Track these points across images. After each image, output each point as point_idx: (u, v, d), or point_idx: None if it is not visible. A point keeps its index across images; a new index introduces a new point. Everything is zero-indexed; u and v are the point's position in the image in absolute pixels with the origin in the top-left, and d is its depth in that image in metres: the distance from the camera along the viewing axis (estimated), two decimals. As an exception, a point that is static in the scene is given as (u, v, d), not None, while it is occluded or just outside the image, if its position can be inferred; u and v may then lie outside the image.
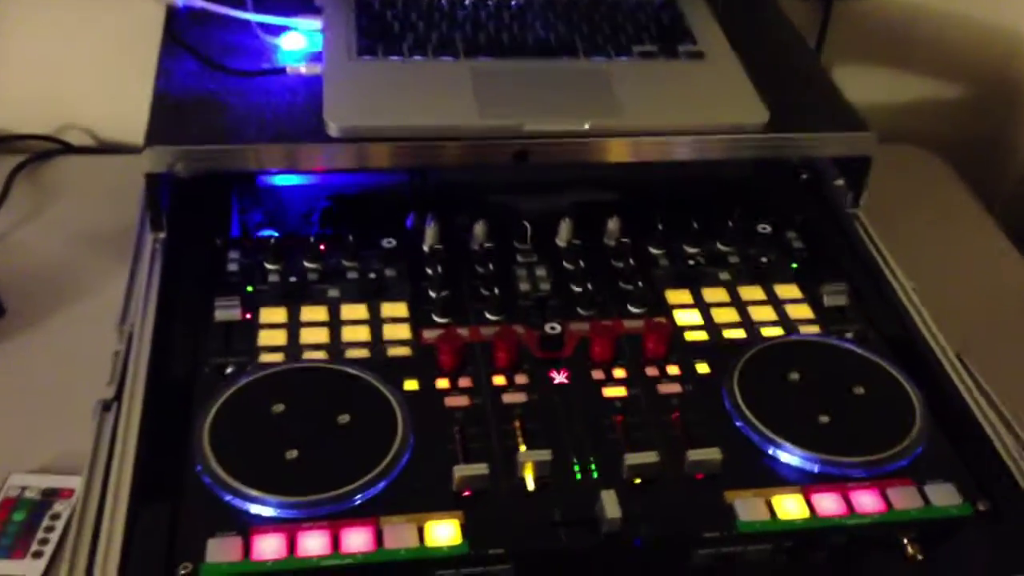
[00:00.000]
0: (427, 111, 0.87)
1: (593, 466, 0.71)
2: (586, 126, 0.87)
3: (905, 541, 0.68)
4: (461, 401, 0.75)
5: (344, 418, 0.71)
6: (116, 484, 0.68)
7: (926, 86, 1.29)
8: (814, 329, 0.83)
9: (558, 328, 0.80)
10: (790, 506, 0.69)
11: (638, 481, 0.70)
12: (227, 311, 0.80)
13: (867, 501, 0.69)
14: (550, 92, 0.91)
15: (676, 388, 0.77)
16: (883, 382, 0.78)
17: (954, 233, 1.16)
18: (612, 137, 0.87)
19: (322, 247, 0.87)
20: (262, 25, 0.96)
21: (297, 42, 0.95)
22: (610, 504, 0.66)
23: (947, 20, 1.24)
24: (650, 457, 0.70)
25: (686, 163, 0.91)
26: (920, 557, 0.67)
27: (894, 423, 0.74)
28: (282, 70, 0.92)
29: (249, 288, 0.83)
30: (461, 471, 0.68)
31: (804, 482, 0.71)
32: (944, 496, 0.70)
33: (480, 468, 0.68)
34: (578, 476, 0.70)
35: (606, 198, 0.98)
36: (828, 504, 0.69)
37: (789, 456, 0.72)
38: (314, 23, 0.97)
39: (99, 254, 1.06)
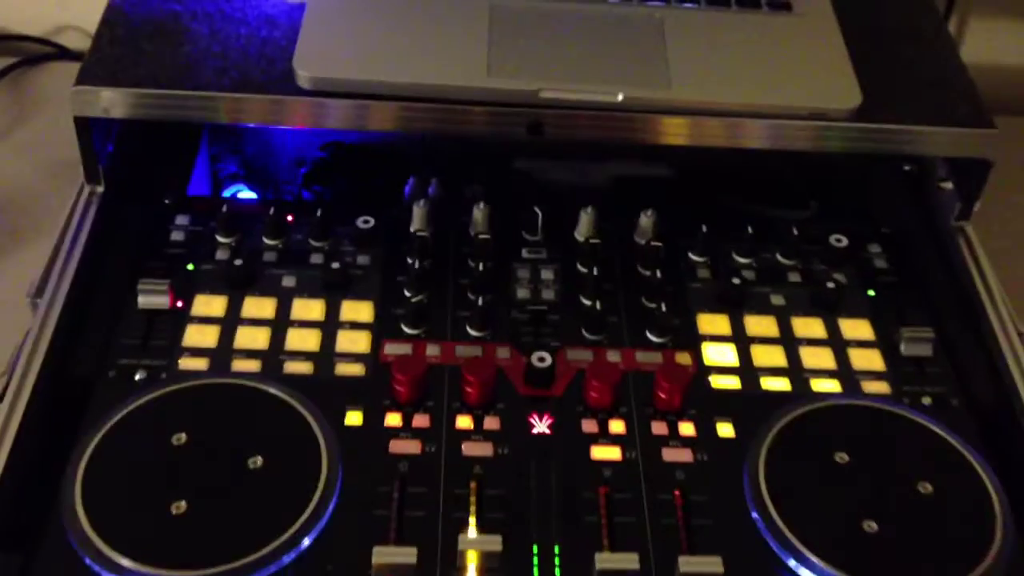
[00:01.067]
0: (422, 64, 0.69)
1: (557, 560, 0.55)
2: (620, 98, 0.68)
3: None
4: (410, 447, 0.60)
5: (256, 461, 0.57)
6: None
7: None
8: (881, 388, 0.65)
9: (548, 361, 0.64)
10: (804, 648, 0.53)
11: (600, 583, 0.54)
12: (152, 296, 0.66)
13: (910, 654, 0.53)
14: (581, 46, 0.72)
15: (686, 456, 0.60)
16: (961, 478, 0.59)
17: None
18: (653, 114, 0.69)
19: (289, 218, 0.73)
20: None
21: (288, -42, 0.79)
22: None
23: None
24: (629, 562, 0.54)
25: (747, 150, 0.72)
26: None
27: (966, 540, 0.57)
28: (263, -6, 0.76)
29: (190, 266, 0.69)
30: (382, 555, 0.53)
31: (829, 610, 0.54)
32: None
33: (407, 554, 0.53)
34: (535, 570, 0.55)
35: (647, 174, 0.80)
36: (856, 652, 0.53)
37: (809, 569, 0.55)
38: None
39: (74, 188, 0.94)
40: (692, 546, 0.56)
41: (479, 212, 0.72)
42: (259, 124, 0.75)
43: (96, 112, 0.68)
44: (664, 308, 0.68)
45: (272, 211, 0.72)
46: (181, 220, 0.72)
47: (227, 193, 0.84)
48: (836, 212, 0.82)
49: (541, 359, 0.64)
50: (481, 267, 0.69)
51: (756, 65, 0.73)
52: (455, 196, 0.80)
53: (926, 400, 0.64)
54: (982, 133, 0.70)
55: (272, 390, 0.61)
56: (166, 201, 0.73)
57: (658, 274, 0.70)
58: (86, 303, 0.67)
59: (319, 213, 0.71)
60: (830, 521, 0.57)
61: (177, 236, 0.71)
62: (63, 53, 1.06)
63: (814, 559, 0.55)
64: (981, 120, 0.71)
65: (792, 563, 0.55)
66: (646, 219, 0.73)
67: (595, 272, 0.70)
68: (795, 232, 0.73)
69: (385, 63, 0.69)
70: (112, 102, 0.68)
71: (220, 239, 0.71)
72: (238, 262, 0.68)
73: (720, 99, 0.69)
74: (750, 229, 0.73)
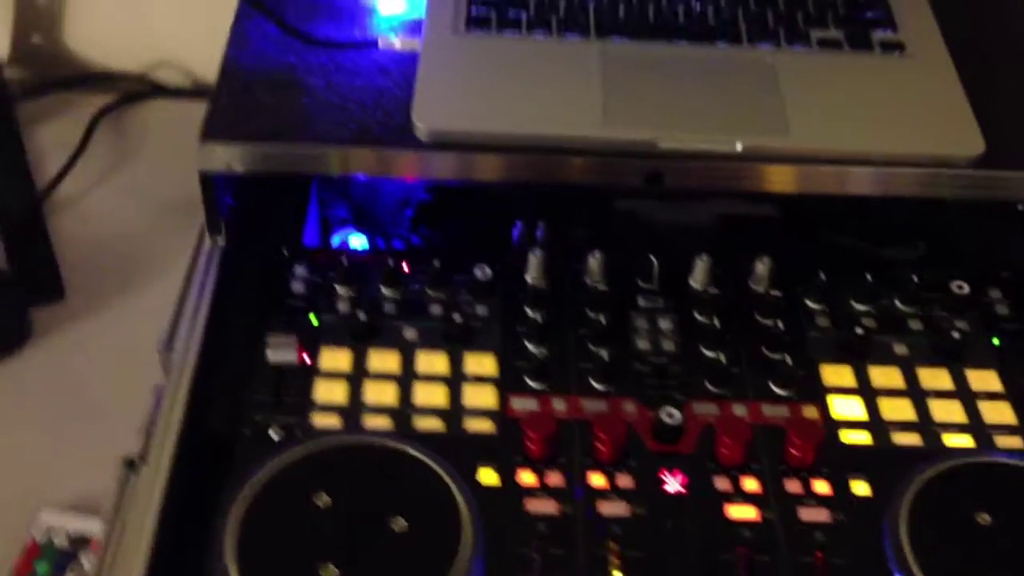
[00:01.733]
0: (539, 114, 0.70)
1: (701, 629, 0.56)
2: (739, 147, 0.68)
3: None
4: (547, 507, 0.60)
5: (398, 523, 0.58)
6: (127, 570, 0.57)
7: None
8: (1014, 442, 0.65)
9: (678, 417, 0.64)
10: None
11: (757, 658, 0.54)
12: (281, 352, 0.67)
13: None
14: (695, 93, 0.72)
15: (823, 515, 0.60)
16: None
17: None
18: (772, 163, 0.69)
19: (405, 266, 0.73)
20: (358, -18, 0.80)
21: (396, 5, 0.79)
22: None
23: None
24: (782, 632, 0.54)
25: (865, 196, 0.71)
26: None
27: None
28: (374, 42, 0.76)
29: (313, 318, 0.70)
30: (533, 624, 0.54)
31: None
32: None
33: (558, 622, 0.54)
34: (682, 641, 0.55)
35: (755, 213, 0.80)
36: None
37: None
38: (417, -20, 0.80)
39: (184, 228, 0.94)
40: (837, 610, 0.56)
41: (594, 261, 0.72)
42: (378, 176, 0.75)
43: (220, 167, 0.69)
44: (788, 359, 0.68)
45: (390, 261, 0.72)
46: (300, 271, 0.73)
47: (336, 237, 0.85)
48: (946, 252, 0.81)
49: (670, 415, 0.64)
50: (602, 319, 0.70)
51: (874, 110, 0.72)
52: (563, 239, 0.80)
53: (1062, 455, 0.64)
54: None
55: (410, 450, 0.61)
56: (284, 252, 0.74)
57: (779, 324, 0.70)
58: (216, 357, 0.68)
59: (436, 263, 0.72)
60: (977, 585, 0.56)
61: (297, 287, 0.72)
62: (158, 90, 1.08)
63: (964, 625, 0.54)
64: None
65: (940, 628, 0.55)
66: (762, 266, 0.72)
67: (716, 323, 0.70)
68: (914, 279, 0.72)
69: (501, 114, 0.69)
70: (237, 157, 0.69)
71: (339, 290, 0.72)
72: (361, 315, 0.69)
73: (840, 147, 0.69)
74: (868, 276, 0.72)
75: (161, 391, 0.65)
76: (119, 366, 0.83)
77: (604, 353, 0.68)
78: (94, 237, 0.91)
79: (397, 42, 0.75)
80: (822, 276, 0.72)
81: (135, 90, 1.07)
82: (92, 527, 0.72)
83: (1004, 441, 0.64)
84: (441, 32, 0.75)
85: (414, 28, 0.77)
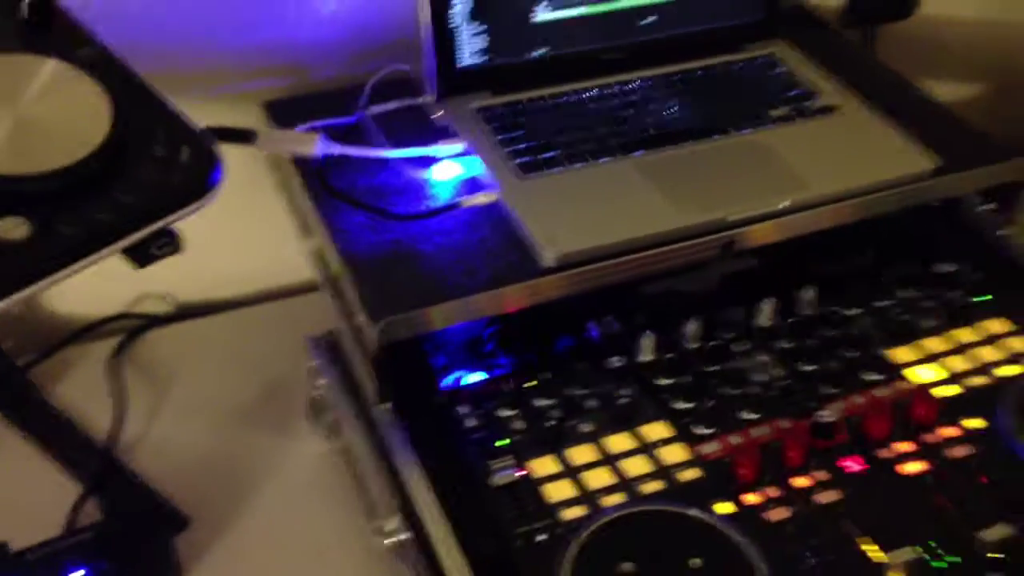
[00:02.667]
0: (630, 220, 0.85)
1: (946, 553, 0.71)
2: (783, 205, 0.87)
3: None
4: (783, 514, 0.74)
5: (696, 563, 0.69)
6: None
7: (960, 91, 1.36)
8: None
9: (832, 415, 0.80)
10: None
11: (997, 557, 0.70)
12: (505, 473, 0.76)
13: None
14: (727, 175, 0.90)
15: (966, 450, 0.78)
16: None
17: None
18: (808, 210, 0.88)
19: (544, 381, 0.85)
20: (406, 160, 0.91)
21: (450, 171, 0.91)
22: (1004, 590, 0.66)
23: (976, 29, 1.31)
24: (1003, 531, 0.70)
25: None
26: None
27: None
28: (455, 204, 0.88)
29: (502, 443, 0.80)
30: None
31: None
32: None
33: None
34: (940, 565, 0.70)
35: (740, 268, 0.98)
36: None
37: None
38: (453, 147, 0.93)
39: (255, 430, 0.99)
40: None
41: (692, 327, 0.88)
42: (513, 309, 0.85)
43: (399, 336, 0.77)
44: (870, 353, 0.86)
45: (539, 378, 0.84)
46: (463, 410, 0.82)
47: (449, 379, 0.93)
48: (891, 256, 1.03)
49: (823, 415, 0.80)
50: (719, 367, 0.85)
51: (850, 154, 0.92)
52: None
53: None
54: (1019, 162, 0.94)
55: (669, 507, 0.72)
56: (439, 398, 0.83)
57: (836, 331, 0.89)
58: (452, 497, 0.75)
59: (580, 365, 0.84)
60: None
61: (470, 423, 0.81)
62: (154, 320, 1.11)
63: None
64: (1009, 153, 0.94)
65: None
66: (808, 293, 0.91)
67: (803, 343, 0.87)
68: (924, 271, 0.94)
69: (601, 229, 0.83)
70: (405, 325, 0.77)
71: (504, 413, 0.82)
72: (551, 423, 0.80)
73: (847, 185, 0.89)
74: (881, 278, 0.93)
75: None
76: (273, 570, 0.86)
77: (736, 392, 0.83)
78: (182, 465, 0.94)
79: (480, 198, 0.87)
80: (855, 287, 0.92)
81: (133, 326, 1.10)
82: None
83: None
84: (508, 181, 0.88)
85: (474, 185, 0.90)
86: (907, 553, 0.69)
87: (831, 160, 0.92)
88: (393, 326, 0.77)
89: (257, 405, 1.01)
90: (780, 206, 0.86)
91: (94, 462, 0.92)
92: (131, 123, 0.70)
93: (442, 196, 0.90)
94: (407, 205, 0.89)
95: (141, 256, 0.69)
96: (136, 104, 0.71)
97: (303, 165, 0.92)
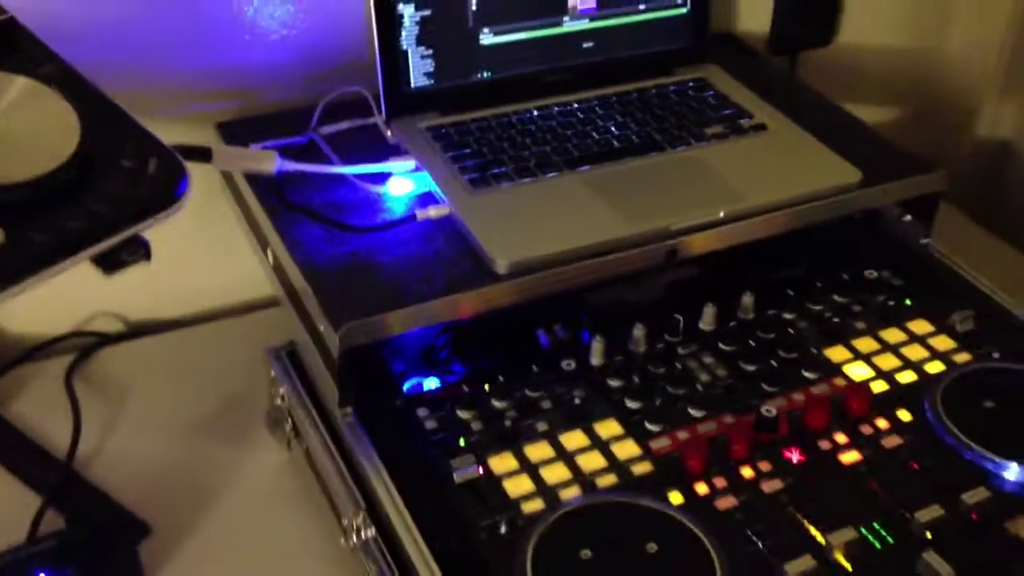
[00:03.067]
0: (578, 230, 0.89)
1: (884, 533, 0.75)
2: (721, 214, 0.92)
3: None
4: (730, 502, 0.78)
5: (652, 547, 0.73)
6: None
7: (877, 114, 1.44)
8: (967, 357, 0.92)
9: (774, 411, 0.84)
10: (1061, 520, 0.76)
11: (930, 536, 0.75)
12: (466, 471, 0.79)
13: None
14: (668, 188, 0.95)
15: (897, 440, 0.83)
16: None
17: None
18: (744, 220, 0.93)
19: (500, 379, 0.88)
20: (360, 176, 0.95)
21: (404, 186, 0.94)
22: (938, 564, 0.71)
23: (892, 56, 1.39)
24: (936, 511, 0.75)
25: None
26: None
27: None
28: (410, 218, 0.91)
29: (462, 442, 0.83)
30: (794, 567, 0.71)
31: (1047, 495, 0.79)
32: None
33: (808, 561, 0.72)
34: (877, 545, 0.75)
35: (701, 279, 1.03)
36: (1091, 509, 0.77)
37: (1022, 475, 0.79)
38: (405, 163, 0.96)
39: (214, 441, 1.00)
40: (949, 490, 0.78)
41: (639, 331, 0.92)
42: (467, 316, 0.88)
43: (359, 341, 0.80)
44: (797, 355, 0.91)
45: (489, 385, 0.87)
46: (423, 412, 0.85)
47: (407, 385, 0.96)
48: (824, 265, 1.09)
49: (768, 411, 0.84)
50: (663, 369, 0.89)
51: (782, 168, 0.98)
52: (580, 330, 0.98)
53: (996, 355, 0.92)
54: (939, 175, 1.00)
55: (625, 499, 0.76)
56: (398, 402, 0.86)
57: (773, 333, 0.94)
58: (415, 497, 0.78)
59: (535, 368, 0.87)
60: (1011, 439, 0.81)
61: (431, 425, 0.84)
62: (105, 339, 1.12)
63: (1011, 463, 0.79)
64: (929, 167, 1.01)
65: (1004, 473, 0.79)
66: (748, 298, 0.96)
67: (747, 343, 0.92)
68: (845, 277, 1.00)
69: (550, 238, 0.88)
70: (367, 331, 0.80)
71: (463, 415, 0.85)
72: (507, 422, 0.83)
73: (780, 196, 0.94)
74: (818, 283, 0.99)
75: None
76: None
77: (682, 391, 0.87)
78: (140, 477, 0.94)
79: (432, 211, 0.91)
80: (790, 292, 0.97)
81: (85, 344, 1.10)
82: None
83: (958, 357, 0.91)
84: (459, 196, 0.92)
85: (426, 199, 0.93)
86: (847, 534, 0.74)
87: (764, 174, 0.98)
88: (354, 331, 0.80)
89: (215, 418, 1.02)
90: (719, 216, 0.92)
91: (53, 474, 0.93)
92: (99, 136, 0.72)
93: (396, 210, 0.93)
94: (363, 219, 0.92)
95: (111, 263, 0.71)
96: (103, 118, 0.74)
97: (257, 182, 0.95)
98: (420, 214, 0.91)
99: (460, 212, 0.91)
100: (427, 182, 0.95)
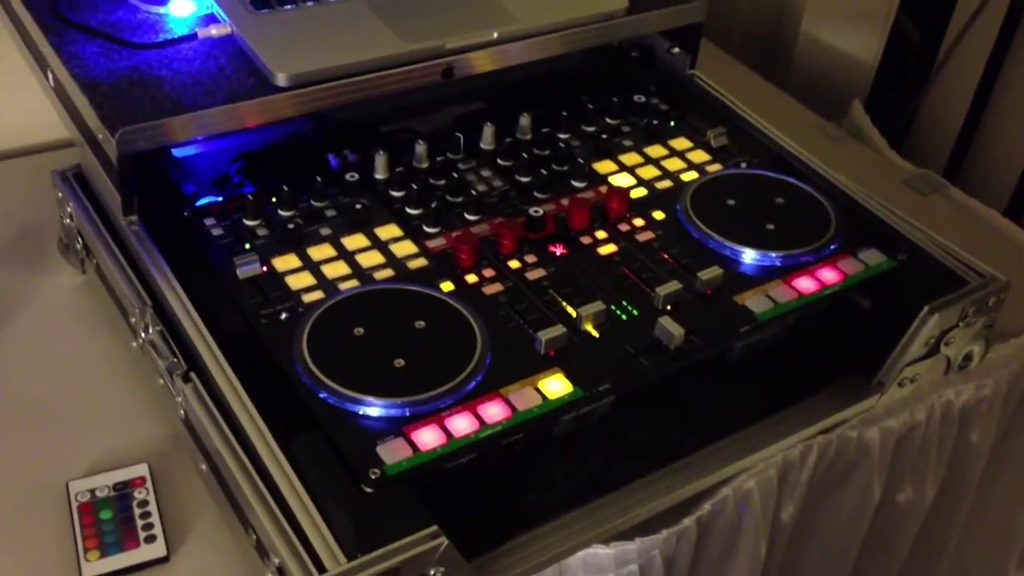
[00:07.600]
0: (357, 46, 0.92)
1: (630, 307, 0.84)
2: (495, 35, 0.97)
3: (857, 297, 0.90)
4: (497, 288, 0.85)
5: (420, 324, 0.79)
6: (256, 437, 0.73)
7: None
8: (718, 167, 1.01)
9: (541, 211, 0.91)
10: (781, 294, 0.87)
11: (670, 308, 0.84)
12: (249, 267, 0.83)
13: (828, 276, 0.89)
14: (448, 11, 0.99)
15: (650, 235, 0.92)
16: (795, 192, 0.98)
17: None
18: (518, 41, 0.98)
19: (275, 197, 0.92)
20: (140, -3, 0.95)
21: (185, 8, 0.95)
22: (671, 326, 0.80)
23: None
24: (675, 286, 0.84)
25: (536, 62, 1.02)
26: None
27: (816, 218, 0.94)
28: (193, 36, 0.92)
29: (247, 245, 0.87)
30: (547, 335, 0.79)
31: (777, 276, 0.89)
32: (874, 258, 0.91)
33: (559, 329, 0.79)
34: (623, 317, 0.83)
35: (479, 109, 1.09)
36: (806, 284, 0.88)
37: (753, 258, 0.90)
38: (187, -13, 0.97)
39: (5, 268, 1.00)
40: (694, 271, 0.88)
41: (421, 148, 0.97)
42: (263, 123, 0.90)
43: (133, 148, 0.82)
44: (576, 165, 0.99)
45: (285, 188, 0.91)
46: (210, 222, 0.89)
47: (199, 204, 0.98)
48: (604, 91, 1.16)
49: (536, 211, 0.91)
50: (444, 181, 0.95)
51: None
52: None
53: (744, 164, 1.02)
54: (698, 4, 1.08)
55: (393, 285, 0.82)
56: (185, 213, 0.89)
57: (548, 150, 1.01)
58: (201, 295, 0.82)
59: (319, 180, 0.92)
60: (746, 230, 0.91)
61: (217, 232, 0.88)
62: None
63: (747, 248, 0.89)
64: (691, -3, 1.09)
65: (741, 257, 0.89)
66: (525, 120, 1.02)
67: (522, 157, 0.98)
68: (615, 100, 1.07)
69: (330, 54, 0.91)
70: (146, 135, 0.82)
71: (249, 223, 0.89)
72: (291, 227, 0.87)
73: (552, 20, 1.00)
74: (589, 106, 1.06)
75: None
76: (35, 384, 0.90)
77: (460, 199, 0.94)
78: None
79: (213, 30, 0.92)
80: (564, 114, 1.04)
81: None
82: (122, 476, 0.80)
83: (713, 168, 1.01)
84: (241, 16, 0.94)
85: (210, 19, 0.95)
86: (595, 307, 0.82)
87: (538, 0, 1.04)
88: (132, 135, 0.82)
89: (5, 248, 1.02)
90: (492, 36, 0.97)
91: None
92: None
93: (178, 30, 0.94)
94: (143, 36, 0.93)
95: None
96: None
97: (33, 5, 0.94)
98: (202, 33, 0.93)
99: (241, 30, 0.93)
100: (209, 2, 0.96)
